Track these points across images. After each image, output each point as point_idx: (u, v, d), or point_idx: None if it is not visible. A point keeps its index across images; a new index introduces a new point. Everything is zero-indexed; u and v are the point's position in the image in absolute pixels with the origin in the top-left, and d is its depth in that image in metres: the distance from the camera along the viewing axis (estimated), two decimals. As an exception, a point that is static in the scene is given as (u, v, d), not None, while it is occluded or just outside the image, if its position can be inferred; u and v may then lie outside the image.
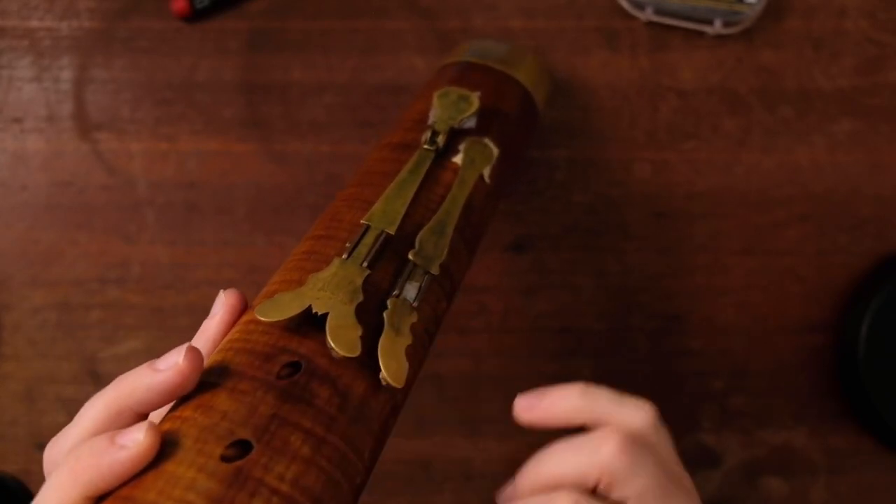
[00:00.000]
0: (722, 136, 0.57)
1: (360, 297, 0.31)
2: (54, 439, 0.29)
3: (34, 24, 0.56)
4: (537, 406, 0.33)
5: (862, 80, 0.57)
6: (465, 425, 0.57)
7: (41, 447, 0.57)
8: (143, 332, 0.57)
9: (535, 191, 0.57)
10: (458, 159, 0.40)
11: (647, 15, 0.55)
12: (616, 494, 0.32)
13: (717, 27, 0.55)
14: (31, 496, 0.57)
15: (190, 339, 0.60)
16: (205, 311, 0.56)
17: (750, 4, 0.55)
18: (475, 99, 0.41)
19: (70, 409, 0.57)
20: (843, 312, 0.58)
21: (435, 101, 0.41)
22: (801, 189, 0.58)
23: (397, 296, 0.33)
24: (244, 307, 0.33)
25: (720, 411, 0.58)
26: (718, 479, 0.58)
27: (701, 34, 0.57)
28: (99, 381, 0.57)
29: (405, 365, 0.31)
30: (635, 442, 0.32)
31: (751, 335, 0.58)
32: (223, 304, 0.32)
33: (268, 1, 0.57)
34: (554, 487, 0.32)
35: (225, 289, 0.33)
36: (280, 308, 0.30)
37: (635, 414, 0.32)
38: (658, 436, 0.33)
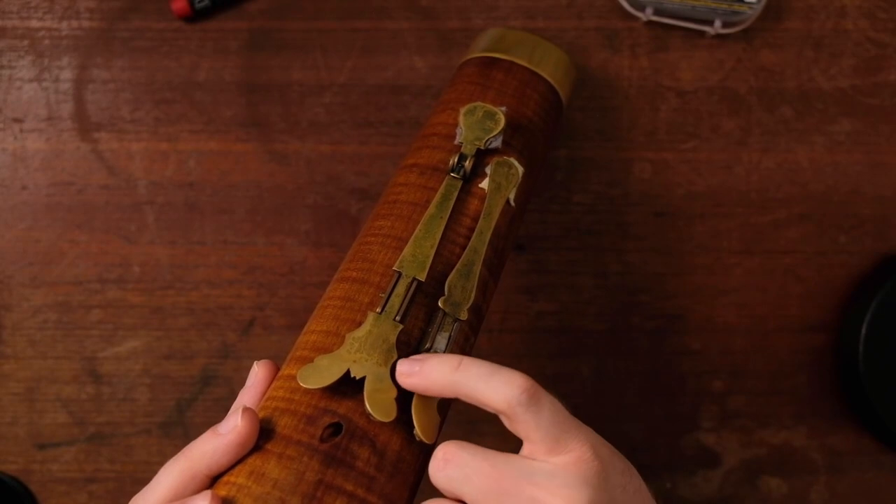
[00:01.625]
0: (722, 136, 0.57)
1: (395, 356, 0.33)
2: (133, 501, 0.32)
3: (34, 24, 0.56)
4: (415, 374, 0.32)
5: (862, 80, 0.57)
6: (465, 425, 0.57)
7: (41, 447, 0.57)
8: (143, 332, 0.57)
9: (535, 191, 0.57)
10: (484, 185, 0.40)
11: (647, 15, 0.55)
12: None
13: (717, 27, 0.55)
14: (32, 496, 0.57)
15: (189, 339, 0.60)
16: (205, 312, 0.57)
17: (750, 4, 0.55)
18: (501, 117, 0.41)
19: (70, 409, 0.57)
20: (843, 312, 0.58)
21: (461, 119, 0.41)
22: (801, 189, 0.58)
23: (429, 349, 0.34)
24: (276, 375, 0.36)
25: (720, 411, 0.58)
26: (718, 479, 0.58)
27: (701, 34, 0.57)
28: (99, 381, 0.57)
29: (436, 420, 0.34)
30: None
31: (751, 335, 0.58)
32: (256, 377, 0.35)
33: (268, 1, 0.57)
34: None
35: (258, 360, 0.36)
36: (320, 375, 0.32)
37: (501, 392, 0.31)
38: (530, 412, 0.31)
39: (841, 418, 0.58)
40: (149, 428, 0.57)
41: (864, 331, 0.55)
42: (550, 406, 0.31)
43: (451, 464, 0.31)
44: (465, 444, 0.31)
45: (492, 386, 0.31)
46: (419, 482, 0.34)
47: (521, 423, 0.31)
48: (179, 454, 0.32)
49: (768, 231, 0.58)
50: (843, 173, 0.58)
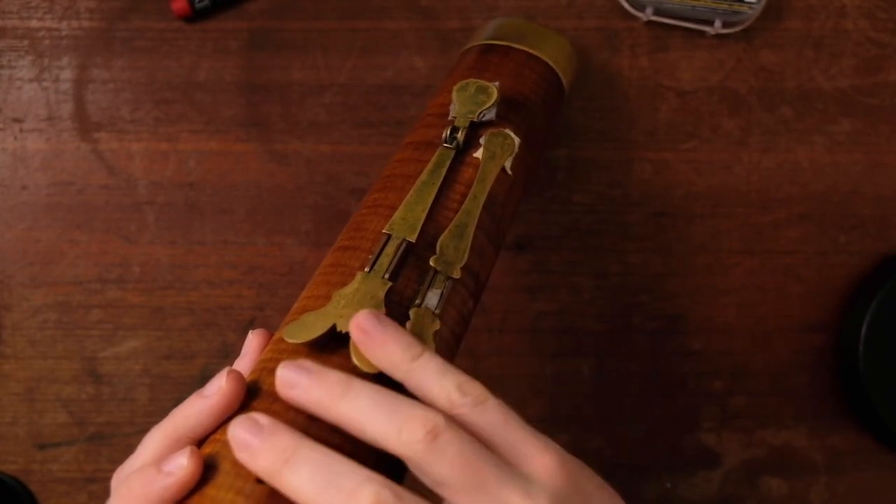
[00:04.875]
0: (722, 136, 0.57)
1: (383, 311, 0.32)
2: (119, 469, 0.31)
3: (34, 24, 0.56)
4: (297, 386, 0.28)
5: (862, 80, 0.57)
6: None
7: (41, 447, 0.57)
8: (143, 332, 0.57)
9: (535, 191, 0.57)
10: (478, 154, 0.40)
11: (647, 15, 0.55)
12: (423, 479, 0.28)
13: (717, 27, 0.55)
14: (32, 496, 0.57)
15: (189, 339, 0.60)
16: (205, 312, 0.57)
17: (750, 4, 0.55)
18: (494, 90, 0.40)
19: (70, 409, 0.57)
20: (843, 312, 0.58)
21: (454, 94, 0.41)
22: (801, 189, 0.58)
23: (419, 305, 0.34)
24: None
25: (720, 411, 0.58)
26: (718, 479, 0.58)
27: (701, 34, 0.57)
28: (99, 381, 0.57)
29: None
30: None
31: (751, 335, 0.58)
32: (251, 346, 0.34)
33: (268, 1, 0.57)
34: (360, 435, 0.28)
35: (253, 329, 0.35)
36: (305, 329, 0.32)
37: (393, 433, 0.27)
38: (434, 457, 0.27)
39: (841, 418, 0.58)
40: (149, 428, 0.57)
41: (864, 331, 0.55)
42: (463, 443, 0.27)
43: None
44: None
45: (380, 423, 0.27)
46: None
47: (424, 475, 0.27)
48: (164, 419, 0.31)
49: (768, 231, 0.58)
50: (843, 173, 0.58)
